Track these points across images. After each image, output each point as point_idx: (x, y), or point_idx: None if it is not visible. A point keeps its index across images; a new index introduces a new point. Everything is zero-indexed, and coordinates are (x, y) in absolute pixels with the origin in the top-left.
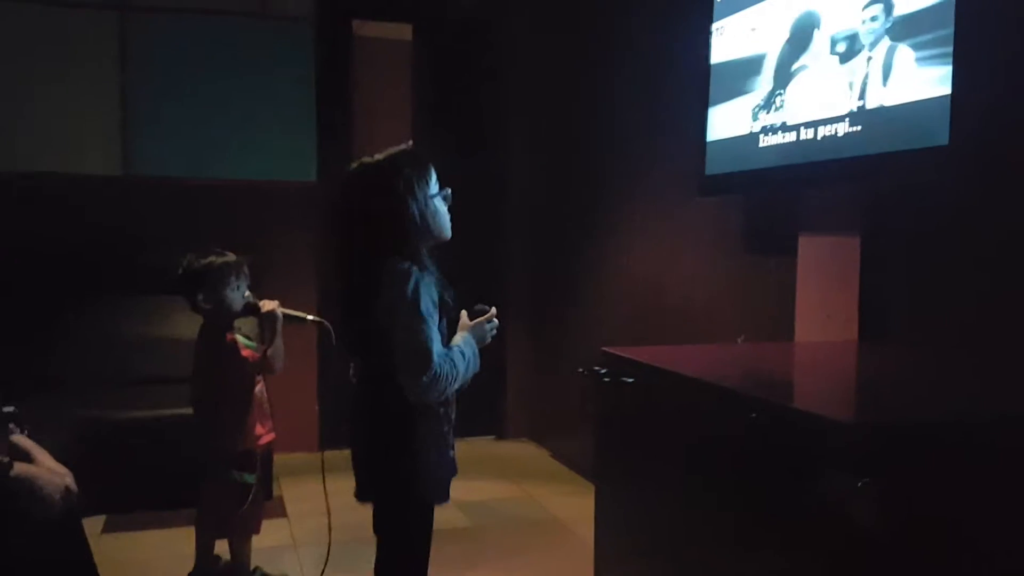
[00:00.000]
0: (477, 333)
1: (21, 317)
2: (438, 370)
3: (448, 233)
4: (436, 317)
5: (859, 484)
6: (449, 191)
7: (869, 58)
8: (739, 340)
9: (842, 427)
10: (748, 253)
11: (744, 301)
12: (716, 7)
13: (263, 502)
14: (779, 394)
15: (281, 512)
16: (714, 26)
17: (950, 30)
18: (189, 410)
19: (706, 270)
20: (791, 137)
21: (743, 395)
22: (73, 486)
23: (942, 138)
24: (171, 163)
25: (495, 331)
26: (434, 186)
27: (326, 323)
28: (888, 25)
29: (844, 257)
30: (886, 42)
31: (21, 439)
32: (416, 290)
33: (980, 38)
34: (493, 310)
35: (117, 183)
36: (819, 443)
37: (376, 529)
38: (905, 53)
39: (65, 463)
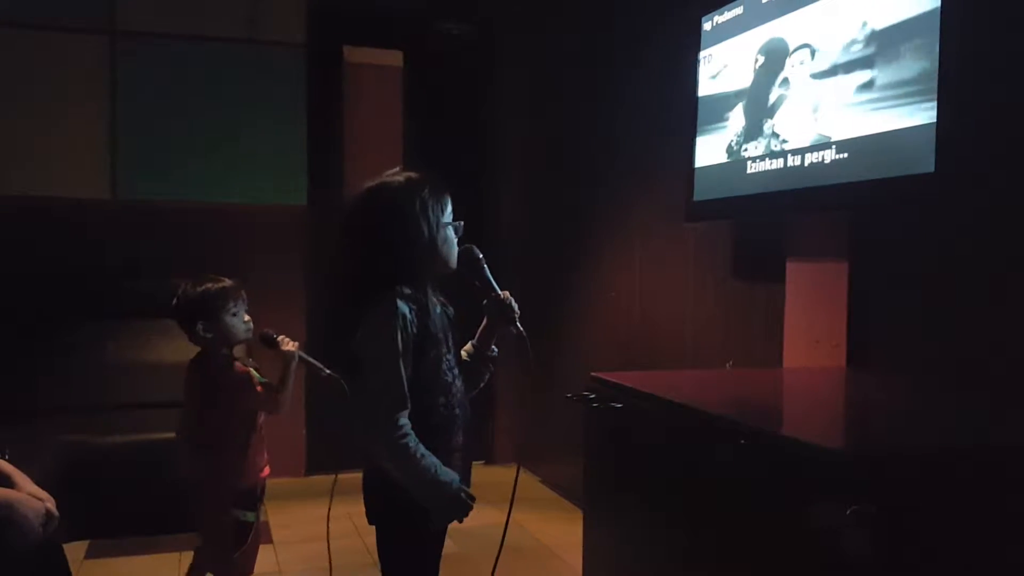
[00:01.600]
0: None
1: (6, 340)
2: (400, 431)
3: (454, 263)
4: (419, 356)
5: (848, 512)
6: (461, 224)
7: (854, 85)
8: (727, 366)
9: (831, 454)
10: (736, 279)
11: (732, 327)
12: (704, 36)
13: (259, 541)
14: (768, 421)
15: (267, 539)
16: (702, 54)
17: (935, 57)
18: (172, 435)
19: (694, 296)
20: (778, 164)
21: (732, 421)
22: (54, 511)
23: (928, 166)
24: (160, 187)
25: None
26: (448, 215)
27: (342, 381)
28: (872, 52)
29: (832, 283)
30: (870, 70)
31: (1, 463)
32: (394, 334)
33: (964, 66)
34: (506, 293)
35: (106, 207)
36: (808, 470)
37: (379, 555)
38: (889, 80)
39: (48, 488)
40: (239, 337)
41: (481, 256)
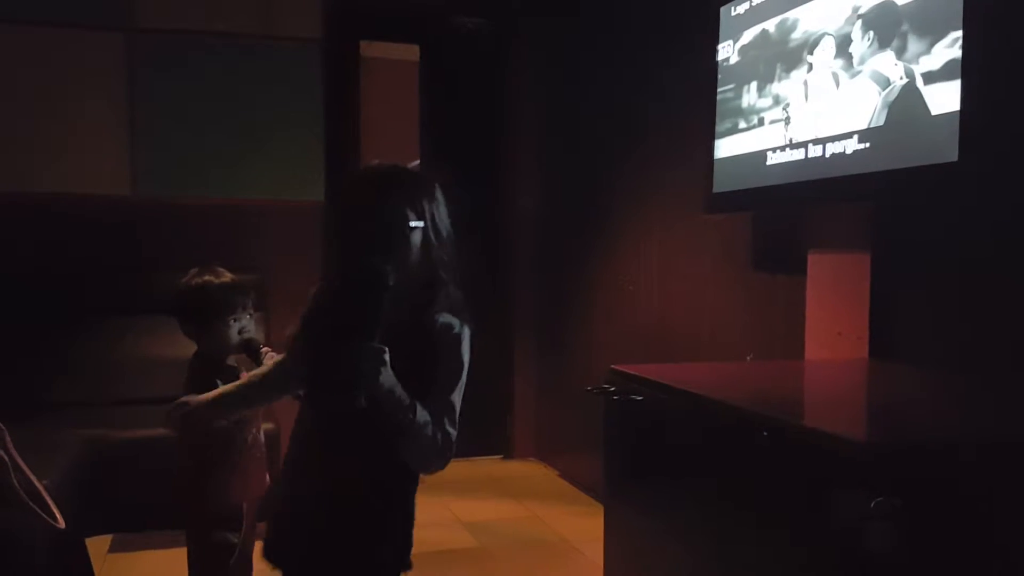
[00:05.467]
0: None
1: (27, 336)
2: None
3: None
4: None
5: (872, 504)
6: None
7: (876, 75)
8: (748, 358)
9: (855, 446)
10: (756, 271)
11: (752, 319)
12: (724, 25)
13: (250, 557)
14: (790, 412)
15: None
16: (721, 44)
17: (958, 46)
18: None
19: (713, 288)
20: (799, 155)
21: (754, 413)
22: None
23: (951, 155)
24: (178, 184)
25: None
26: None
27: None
28: (894, 42)
29: (854, 274)
30: (892, 58)
31: None
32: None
33: (988, 53)
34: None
35: (125, 203)
36: (832, 462)
37: None
38: (913, 69)
39: (72, 483)
40: (226, 346)
41: None
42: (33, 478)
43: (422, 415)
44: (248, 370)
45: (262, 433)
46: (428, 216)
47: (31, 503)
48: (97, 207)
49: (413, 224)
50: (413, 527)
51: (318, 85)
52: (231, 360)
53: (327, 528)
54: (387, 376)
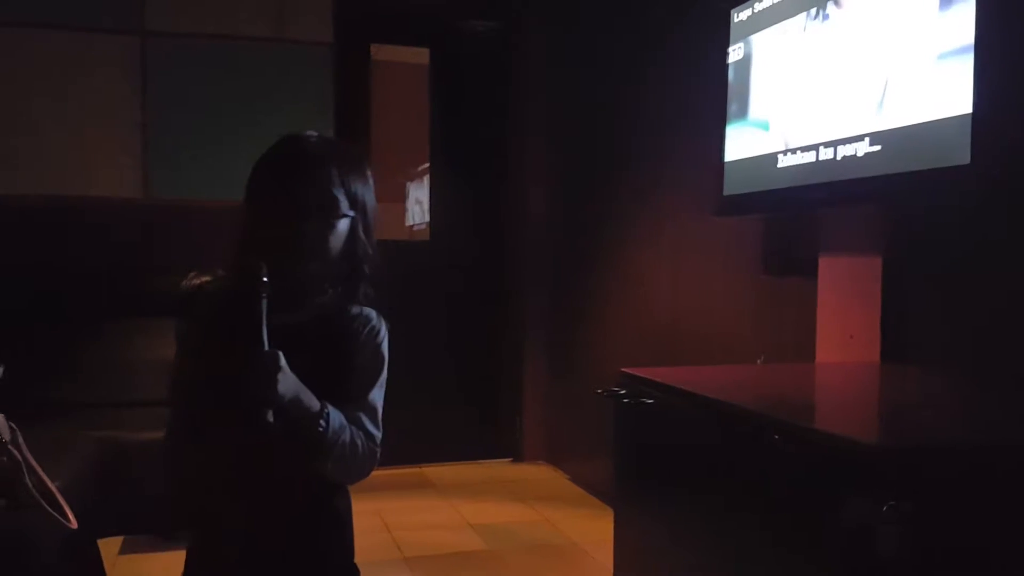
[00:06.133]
0: None
1: (38, 337)
2: None
3: None
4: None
5: (884, 508)
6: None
7: (888, 77)
8: (759, 361)
9: (867, 449)
10: (766, 273)
11: (763, 322)
12: (733, 28)
13: None
14: (802, 415)
15: None
16: (731, 46)
17: (970, 47)
18: None
19: (723, 290)
20: (810, 157)
21: (765, 416)
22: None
23: (963, 157)
24: (189, 186)
25: None
26: None
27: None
28: (906, 43)
29: (866, 277)
30: (905, 60)
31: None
32: None
33: (1001, 55)
34: None
35: (136, 206)
36: (843, 466)
37: None
38: (924, 71)
39: (82, 484)
40: None
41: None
42: (46, 479)
43: (336, 418)
44: None
45: None
46: (360, 202)
47: (44, 503)
48: (111, 210)
49: (344, 212)
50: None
51: (329, 88)
52: None
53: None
54: (287, 382)
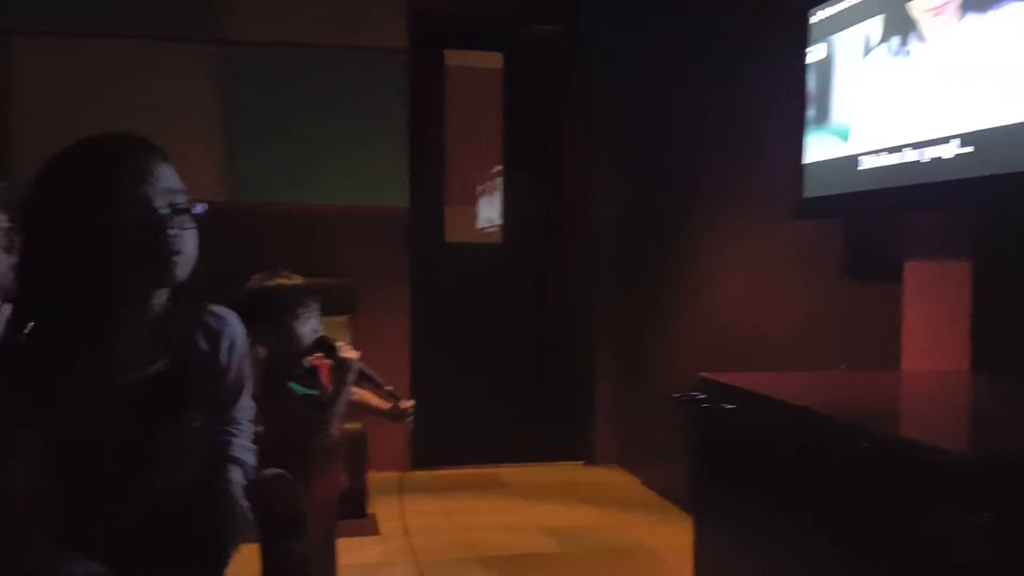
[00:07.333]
0: None
1: None
2: None
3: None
4: None
5: (972, 520)
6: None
7: (980, 74)
8: (841, 367)
9: (959, 459)
10: (848, 278)
11: (844, 328)
12: (812, 29)
13: (333, 562)
14: (890, 424)
15: (373, 530)
16: (809, 48)
17: None
18: None
19: (801, 295)
20: (895, 159)
21: (853, 424)
22: None
23: None
24: (271, 190)
25: None
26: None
27: (402, 404)
28: (1002, 37)
29: (954, 283)
30: (998, 57)
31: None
32: None
33: None
34: None
35: (222, 211)
36: (934, 476)
37: None
38: (1019, 68)
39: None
40: (298, 345)
41: None
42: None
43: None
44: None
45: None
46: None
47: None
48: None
49: (197, 209)
50: None
51: (403, 94)
52: (306, 361)
53: None
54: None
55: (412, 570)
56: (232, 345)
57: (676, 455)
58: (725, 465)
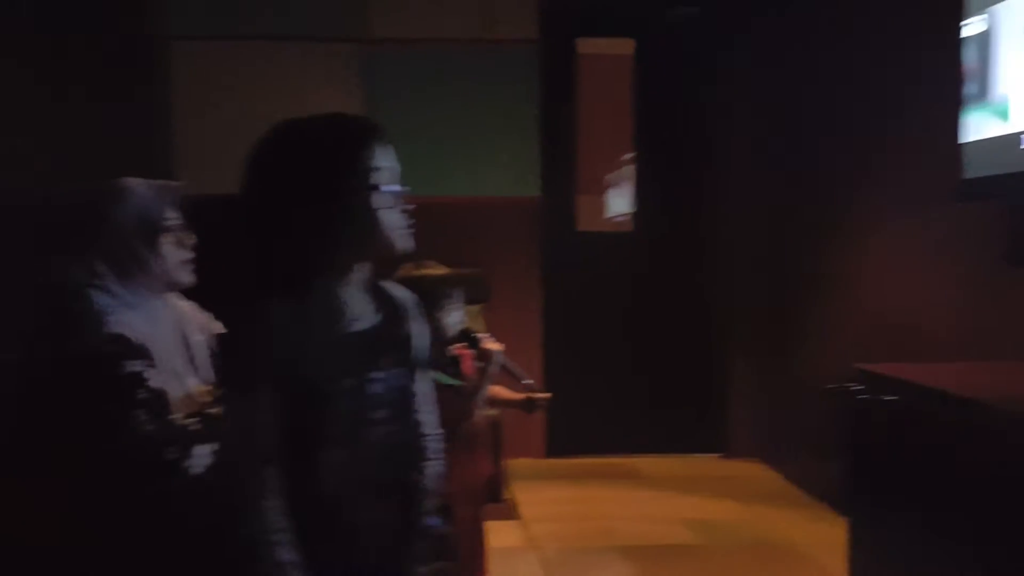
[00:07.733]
0: None
1: None
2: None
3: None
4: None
5: None
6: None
7: None
8: None
9: None
10: (1012, 264)
11: (1007, 318)
12: (969, 1)
13: (482, 550)
14: None
15: (512, 515)
16: (966, 20)
17: None
18: None
19: (958, 283)
20: None
21: None
22: None
23: None
24: (410, 182)
25: None
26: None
27: (539, 396)
28: None
29: None
30: None
31: None
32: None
33: None
34: None
35: None
36: None
37: None
38: None
39: None
40: (449, 335)
41: None
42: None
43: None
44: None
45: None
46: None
47: None
48: None
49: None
50: None
51: (535, 84)
52: (449, 351)
53: None
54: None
55: (553, 556)
56: (417, 312)
57: (824, 449)
58: (885, 461)
